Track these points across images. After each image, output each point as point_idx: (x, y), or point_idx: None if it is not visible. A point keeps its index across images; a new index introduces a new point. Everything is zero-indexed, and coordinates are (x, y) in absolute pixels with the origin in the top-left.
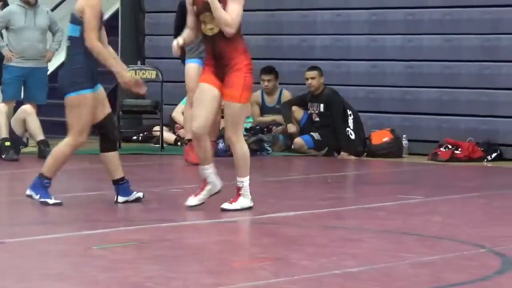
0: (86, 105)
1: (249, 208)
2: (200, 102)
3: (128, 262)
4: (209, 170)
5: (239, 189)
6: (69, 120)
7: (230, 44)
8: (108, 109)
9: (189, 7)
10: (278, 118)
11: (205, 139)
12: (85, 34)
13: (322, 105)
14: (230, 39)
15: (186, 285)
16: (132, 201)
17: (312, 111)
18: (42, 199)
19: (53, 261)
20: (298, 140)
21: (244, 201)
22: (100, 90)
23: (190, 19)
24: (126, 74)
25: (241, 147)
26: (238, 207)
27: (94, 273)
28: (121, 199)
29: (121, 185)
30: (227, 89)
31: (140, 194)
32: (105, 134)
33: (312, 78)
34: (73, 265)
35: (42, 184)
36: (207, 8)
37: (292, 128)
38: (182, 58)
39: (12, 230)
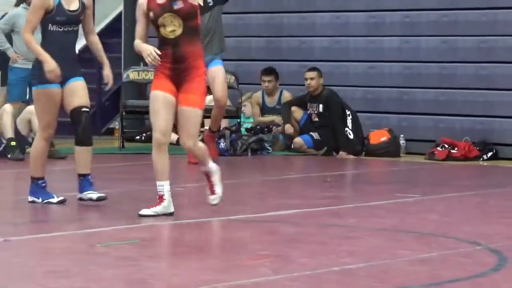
0: (48, 99)
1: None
2: (159, 111)
3: (131, 259)
4: (167, 187)
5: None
6: (36, 113)
7: (192, 46)
8: (77, 102)
9: (140, 16)
10: (277, 118)
11: (165, 149)
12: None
13: (321, 106)
14: (192, 41)
15: (188, 282)
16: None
17: (312, 111)
18: (45, 201)
19: (58, 258)
20: (298, 140)
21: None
22: (71, 84)
23: (140, 28)
24: (52, 63)
25: (199, 149)
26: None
27: (99, 270)
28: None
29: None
30: (189, 94)
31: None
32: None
33: (311, 78)
34: (77, 262)
35: (38, 186)
36: (166, 9)
37: (290, 129)
38: None
39: (17, 228)
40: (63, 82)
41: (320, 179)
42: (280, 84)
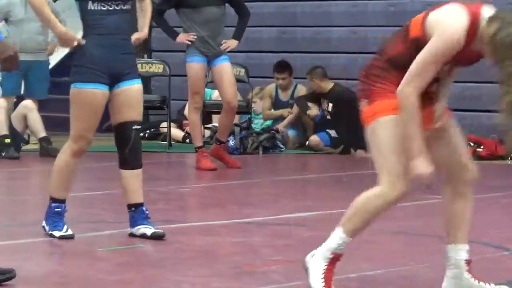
0: (87, 102)
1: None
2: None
3: (134, 265)
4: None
5: None
6: (70, 118)
7: None
8: (128, 116)
9: None
10: (285, 112)
11: None
12: None
13: (330, 104)
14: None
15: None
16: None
17: (324, 108)
18: (50, 232)
19: (57, 263)
20: (314, 138)
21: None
22: (125, 89)
23: None
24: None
25: None
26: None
27: (99, 276)
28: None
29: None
30: None
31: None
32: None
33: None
34: (77, 268)
35: (51, 209)
36: None
37: (314, 110)
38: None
39: (13, 230)
40: (112, 83)
41: (336, 180)
42: (295, 78)
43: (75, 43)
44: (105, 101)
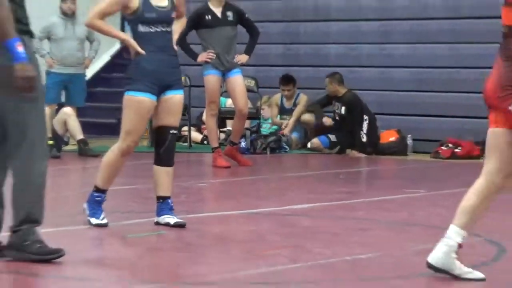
0: (137, 108)
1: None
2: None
3: (159, 250)
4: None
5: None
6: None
7: None
8: (168, 121)
9: None
10: (288, 119)
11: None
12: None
13: (343, 108)
14: None
15: (212, 271)
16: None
17: (335, 109)
18: (88, 218)
19: (93, 248)
20: (315, 141)
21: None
22: (168, 97)
23: None
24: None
25: None
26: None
27: (130, 260)
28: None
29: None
30: None
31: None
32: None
33: (330, 83)
34: (114, 252)
35: (93, 197)
36: None
37: (328, 121)
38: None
39: (57, 220)
40: (159, 92)
41: (334, 176)
42: (297, 88)
43: (138, 49)
44: (152, 108)
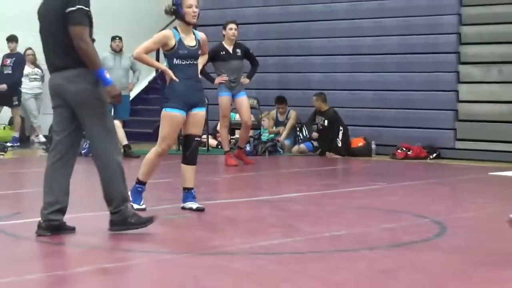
0: (171, 120)
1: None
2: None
3: (184, 228)
4: None
5: None
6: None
7: None
8: (193, 131)
9: None
10: (281, 129)
11: None
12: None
13: (326, 121)
14: None
15: (224, 243)
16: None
17: (318, 122)
18: (130, 203)
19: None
20: (302, 146)
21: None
22: (194, 113)
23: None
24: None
25: None
26: None
27: (164, 235)
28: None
29: (185, 193)
30: None
31: (198, 206)
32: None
33: (316, 100)
34: (149, 230)
35: (135, 188)
36: None
37: (315, 135)
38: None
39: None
40: (188, 108)
41: (316, 172)
42: (288, 106)
43: (173, 77)
44: (183, 121)
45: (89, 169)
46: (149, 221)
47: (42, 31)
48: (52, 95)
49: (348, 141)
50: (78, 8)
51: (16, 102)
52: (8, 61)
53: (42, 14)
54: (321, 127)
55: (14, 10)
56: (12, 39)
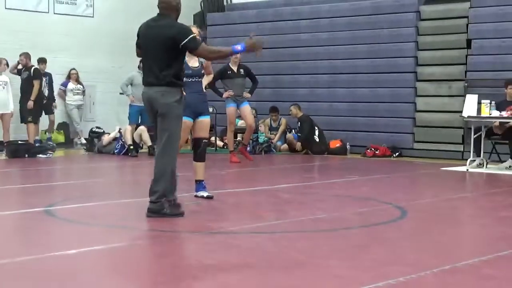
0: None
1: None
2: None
3: (196, 212)
4: None
5: None
6: None
7: None
8: (201, 135)
9: None
10: (273, 135)
11: None
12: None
13: (299, 123)
14: None
15: (231, 224)
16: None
17: (298, 126)
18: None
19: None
20: (290, 136)
21: None
22: (200, 120)
23: None
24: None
25: None
26: None
27: (180, 218)
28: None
29: (197, 184)
30: None
31: (208, 194)
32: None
33: (291, 110)
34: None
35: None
36: None
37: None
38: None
39: (134, 194)
40: (195, 116)
41: (302, 167)
42: (280, 114)
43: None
44: (190, 126)
45: (121, 166)
46: (180, 213)
47: (147, 52)
48: (146, 104)
49: (325, 141)
50: (191, 37)
51: (54, 110)
52: (44, 79)
53: (150, 37)
54: (298, 129)
55: (60, 37)
56: (43, 60)
